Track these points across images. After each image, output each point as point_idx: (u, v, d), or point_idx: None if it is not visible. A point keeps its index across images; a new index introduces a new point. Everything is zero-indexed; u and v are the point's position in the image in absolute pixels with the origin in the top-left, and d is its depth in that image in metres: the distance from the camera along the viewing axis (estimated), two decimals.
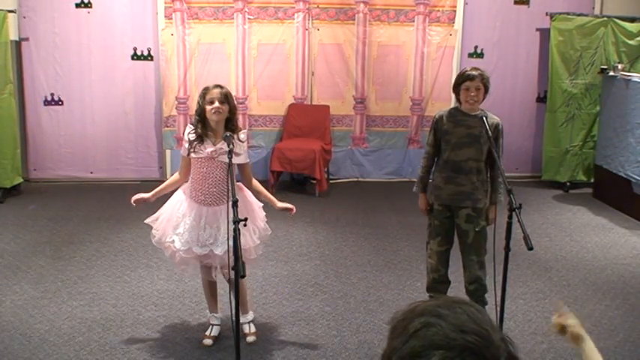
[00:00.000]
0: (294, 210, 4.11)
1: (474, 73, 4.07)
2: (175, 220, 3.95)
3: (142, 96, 7.90)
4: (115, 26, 7.71)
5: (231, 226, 3.23)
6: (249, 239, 3.97)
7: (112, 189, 7.65)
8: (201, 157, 3.89)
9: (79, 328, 4.29)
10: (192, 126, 3.95)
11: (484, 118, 4.00)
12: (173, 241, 3.93)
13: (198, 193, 3.92)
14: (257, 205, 4.11)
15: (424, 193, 4.33)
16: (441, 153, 4.22)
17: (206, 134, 3.89)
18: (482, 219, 4.15)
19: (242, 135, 3.96)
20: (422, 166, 4.35)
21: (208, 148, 3.87)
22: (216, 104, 3.83)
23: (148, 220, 4.10)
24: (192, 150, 3.90)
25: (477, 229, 4.15)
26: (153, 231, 4.06)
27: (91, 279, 5.09)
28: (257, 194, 4.12)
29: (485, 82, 4.07)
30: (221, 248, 3.83)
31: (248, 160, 4.08)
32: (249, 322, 4.23)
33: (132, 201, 4.07)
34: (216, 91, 3.86)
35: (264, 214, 4.15)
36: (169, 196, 4.14)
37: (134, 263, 5.42)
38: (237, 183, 3.97)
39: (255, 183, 4.12)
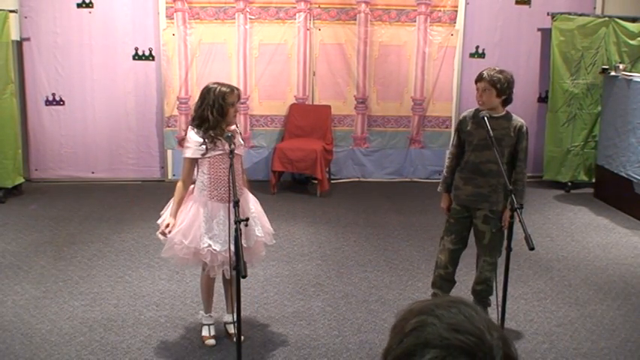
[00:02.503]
0: None
1: (483, 74, 4.06)
2: (204, 226, 3.88)
3: (143, 96, 7.91)
4: (116, 26, 7.71)
5: (239, 226, 3.26)
6: (268, 225, 4.14)
7: (114, 189, 7.66)
8: (220, 154, 3.89)
9: (80, 328, 4.29)
10: (194, 128, 3.91)
11: (485, 119, 3.99)
12: (209, 245, 3.86)
13: (220, 190, 3.89)
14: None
15: (447, 192, 4.35)
16: (465, 153, 4.23)
17: (221, 133, 3.89)
18: (500, 221, 4.14)
19: (239, 127, 4.10)
20: (446, 166, 4.39)
21: (226, 144, 3.85)
22: (237, 108, 3.96)
23: (171, 235, 3.95)
24: (208, 150, 3.87)
25: (493, 231, 4.15)
26: (175, 246, 3.93)
27: (93, 279, 5.09)
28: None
29: (494, 84, 4.01)
30: (248, 241, 3.90)
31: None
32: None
33: (165, 232, 3.90)
34: (237, 94, 3.94)
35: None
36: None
37: (135, 263, 5.42)
38: None
39: (246, 177, 4.22)
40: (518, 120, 4.17)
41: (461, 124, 4.26)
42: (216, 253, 3.89)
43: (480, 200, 4.17)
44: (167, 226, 3.90)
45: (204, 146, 3.87)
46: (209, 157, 3.90)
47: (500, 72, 4.06)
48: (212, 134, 3.87)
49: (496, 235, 4.16)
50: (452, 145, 4.37)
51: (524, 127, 4.16)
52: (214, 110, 3.86)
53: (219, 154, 3.90)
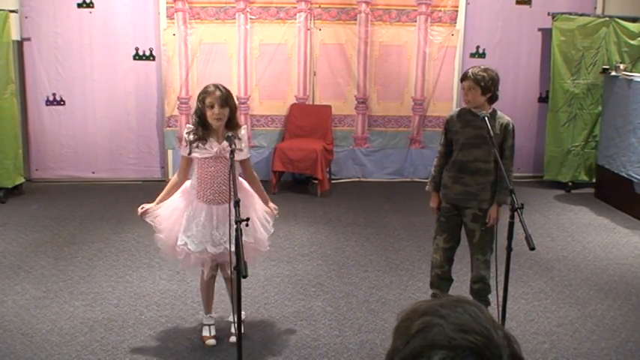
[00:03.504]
0: (276, 215, 4.18)
1: (468, 72, 4.08)
2: (185, 223, 3.92)
3: (143, 96, 7.91)
4: (116, 26, 7.72)
5: (239, 226, 3.24)
6: (261, 231, 4.06)
7: (114, 189, 7.66)
8: (208, 157, 3.89)
9: (80, 328, 4.29)
10: (191, 126, 3.93)
11: (485, 118, 3.99)
12: (185, 244, 3.90)
13: (207, 192, 3.91)
14: (257, 196, 4.16)
15: (436, 192, 4.36)
16: (452, 152, 4.23)
17: (208, 135, 3.88)
18: (488, 219, 4.16)
19: (242, 131, 3.97)
20: (434, 165, 4.39)
21: (215, 148, 3.86)
22: (217, 110, 3.80)
23: (151, 219, 4.02)
24: (194, 150, 3.89)
25: (482, 229, 4.16)
26: (159, 236, 4.02)
27: (93, 279, 5.09)
28: (253, 188, 4.13)
29: (479, 82, 4.02)
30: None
31: (249, 155, 4.10)
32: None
33: (139, 213, 4.01)
34: (217, 95, 3.81)
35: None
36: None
37: (136, 263, 5.42)
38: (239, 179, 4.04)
39: (255, 177, 4.16)
40: (504, 118, 4.17)
41: (448, 124, 4.27)
42: (190, 252, 3.91)
43: (469, 199, 4.18)
44: (144, 209, 4.00)
45: (188, 146, 3.91)
46: (198, 158, 3.91)
47: (485, 70, 4.08)
48: (198, 135, 3.87)
49: (485, 232, 4.17)
50: (440, 144, 4.37)
51: (511, 125, 4.16)
52: (198, 111, 3.88)
53: (205, 157, 3.89)
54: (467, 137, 4.12)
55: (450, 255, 4.34)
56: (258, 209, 4.11)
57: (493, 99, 4.13)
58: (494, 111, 4.17)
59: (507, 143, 4.14)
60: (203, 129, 3.87)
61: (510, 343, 1.05)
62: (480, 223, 4.17)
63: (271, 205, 4.17)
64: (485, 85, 4.04)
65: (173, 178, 4.11)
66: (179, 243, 3.92)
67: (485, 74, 4.04)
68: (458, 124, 4.18)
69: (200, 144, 3.87)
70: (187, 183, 4.05)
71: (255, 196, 4.13)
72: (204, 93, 3.85)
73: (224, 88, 3.89)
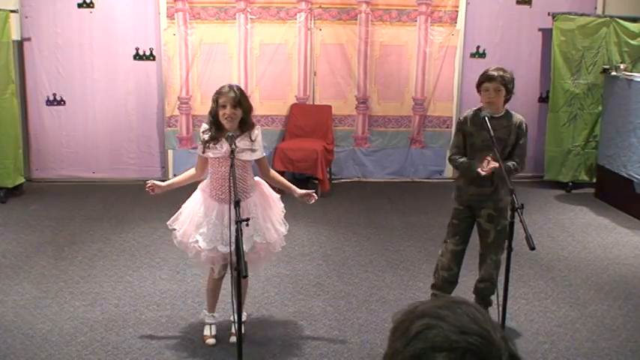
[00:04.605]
0: (315, 198, 4.14)
1: (494, 73, 4.02)
2: (197, 220, 3.96)
3: (144, 96, 7.91)
4: (117, 26, 7.71)
5: (239, 226, 3.25)
6: (274, 232, 4.06)
7: (114, 189, 7.66)
8: (218, 157, 3.90)
9: (81, 328, 4.29)
10: (206, 125, 3.96)
11: (485, 118, 3.98)
12: (197, 241, 3.93)
13: (219, 191, 3.93)
14: (276, 197, 4.17)
15: (470, 160, 4.15)
16: (467, 154, 4.20)
17: (220, 135, 3.90)
18: (504, 218, 4.12)
19: (255, 131, 3.98)
20: (456, 159, 4.21)
21: (225, 148, 3.87)
22: (228, 111, 3.83)
23: (170, 222, 4.11)
24: (207, 149, 3.92)
25: (498, 228, 4.16)
26: (174, 232, 4.07)
27: (93, 279, 5.09)
28: (276, 184, 4.19)
29: (505, 84, 4.01)
30: (245, 245, 3.86)
31: (264, 154, 4.11)
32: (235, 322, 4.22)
33: (146, 185, 4.08)
34: (230, 96, 3.83)
35: (282, 205, 4.20)
36: (184, 194, 4.16)
37: (136, 263, 5.42)
38: (255, 178, 4.07)
39: (274, 173, 4.22)
40: (517, 117, 4.17)
41: (463, 125, 4.24)
42: (200, 250, 3.94)
43: (484, 199, 4.17)
44: (155, 185, 4.07)
45: (201, 145, 3.96)
46: (211, 158, 3.95)
47: (505, 71, 4.07)
48: (212, 135, 3.90)
49: (500, 232, 4.17)
50: (454, 146, 4.27)
51: (524, 124, 4.16)
52: (213, 110, 3.92)
53: (217, 157, 3.92)
54: (482, 139, 4.09)
55: (460, 257, 4.32)
56: (274, 210, 4.13)
57: (508, 100, 4.13)
58: (508, 111, 4.17)
59: (519, 142, 4.15)
60: (216, 129, 3.90)
61: (507, 344, 1.05)
62: (496, 223, 4.17)
63: (302, 191, 4.15)
64: (510, 87, 4.05)
65: (190, 170, 4.16)
66: (190, 240, 3.96)
67: (508, 75, 4.04)
68: (472, 126, 4.14)
69: (212, 144, 3.90)
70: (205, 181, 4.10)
71: (272, 196, 4.14)
72: (219, 93, 3.88)
73: (239, 89, 3.91)
